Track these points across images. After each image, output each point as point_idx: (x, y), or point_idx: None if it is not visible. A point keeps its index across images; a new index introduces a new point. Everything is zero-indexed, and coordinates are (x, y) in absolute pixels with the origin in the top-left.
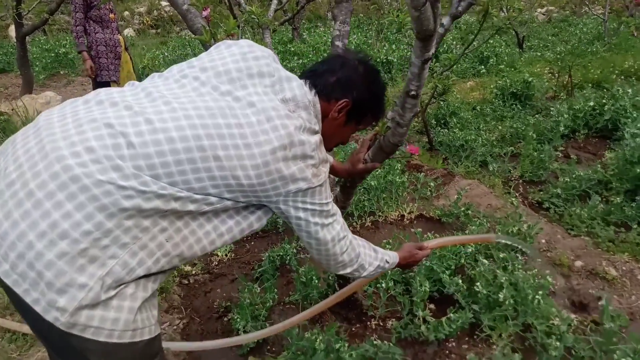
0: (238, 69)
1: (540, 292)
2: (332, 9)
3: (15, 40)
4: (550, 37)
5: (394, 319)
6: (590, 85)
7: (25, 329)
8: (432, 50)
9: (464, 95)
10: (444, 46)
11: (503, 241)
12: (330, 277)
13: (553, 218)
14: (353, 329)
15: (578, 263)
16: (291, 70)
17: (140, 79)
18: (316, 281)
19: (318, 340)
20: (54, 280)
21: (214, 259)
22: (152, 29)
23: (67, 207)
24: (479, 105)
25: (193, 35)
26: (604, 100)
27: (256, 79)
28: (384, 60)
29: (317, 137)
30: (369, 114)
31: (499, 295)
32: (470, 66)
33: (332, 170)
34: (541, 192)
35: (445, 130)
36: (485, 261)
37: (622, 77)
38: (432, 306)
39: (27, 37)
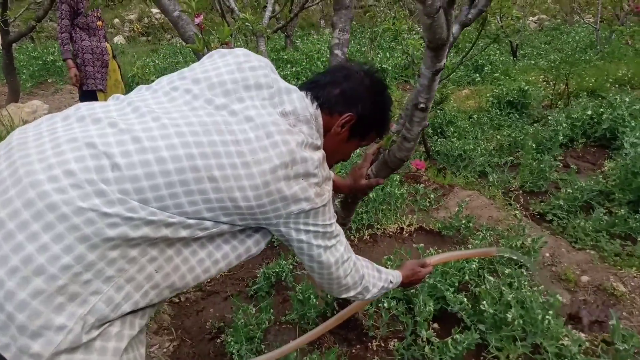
0: (233, 80)
1: (550, 312)
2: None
3: (1, 48)
4: (543, 46)
5: (396, 340)
6: (585, 93)
7: None
8: (444, 61)
9: (460, 104)
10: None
11: (505, 255)
12: (328, 296)
13: (556, 230)
14: (353, 350)
15: (584, 278)
16: (284, 78)
17: (129, 87)
18: (314, 300)
19: None
20: (27, 323)
21: None
22: (143, 37)
23: (44, 239)
24: (475, 114)
25: (185, 44)
26: (601, 109)
27: (253, 91)
28: (378, 68)
29: (320, 154)
30: (374, 130)
31: (507, 314)
32: (465, 74)
33: (333, 186)
34: (542, 203)
35: (443, 139)
36: (490, 278)
37: (617, 85)
38: (435, 325)
39: (14, 45)
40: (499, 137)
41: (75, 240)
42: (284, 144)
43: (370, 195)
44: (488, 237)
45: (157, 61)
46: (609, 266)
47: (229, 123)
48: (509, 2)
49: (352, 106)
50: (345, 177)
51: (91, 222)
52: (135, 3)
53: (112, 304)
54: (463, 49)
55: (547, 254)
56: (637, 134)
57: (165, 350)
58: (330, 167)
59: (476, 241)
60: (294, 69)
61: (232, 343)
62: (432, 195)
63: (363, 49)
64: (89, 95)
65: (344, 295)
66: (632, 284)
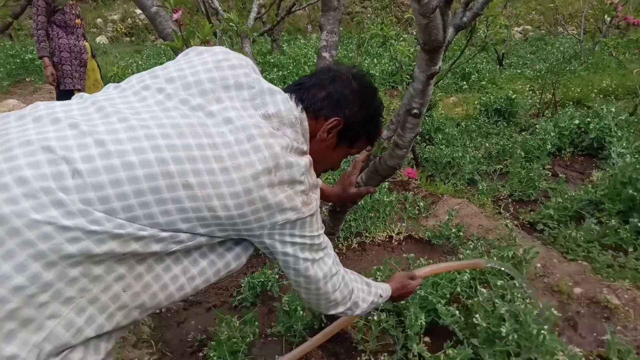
0: (211, 79)
1: (545, 327)
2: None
3: None
4: (528, 55)
5: (386, 354)
6: (571, 103)
7: None
8: (439, 64)
9: (447, 111)
10: None
11: (495, 267)
12: None
13: (547, 241)
14: None
15: (577, 290)
16: (270, 81)
17: None
18: (301, 312)
19: None
20: None
21: None
22: (127, 37)
23: None
24: (463, 121)
25: (163, 42)
26: (588, 119)
27: (233, 91)
28: (368, 72)
29: (307, 159)
30: (363, 136)
31: (501, 328)
32: (453, 82)
33: (321, 194)
34: (532, 213)
35: (431, 146)
36: (483, 290)
37: (601, 95)
38: (427, 339)
39: None
40: (487, 144)
41: (29, 258)
42: (267, 148)
43: (359, 203)
44: (479, 247)
45: (140, 62)
46: (602, 278)
47: (205, 125)
48: (497, 11)
49: (338, 110)
50: (334, 185)
51: (47, 237)
52: (119, 3)
53: (73, 328)
54: (451, 57)
55: (539, 265)
56: (624, 144)
57: None
58: (318, 175)
59: (467, 251)
60: (280, 73)
61: (215, 358)
62: (421, 203)
63: (350, 55)
64: (66, 94)
65: (332, 312)
66: (626, 296)
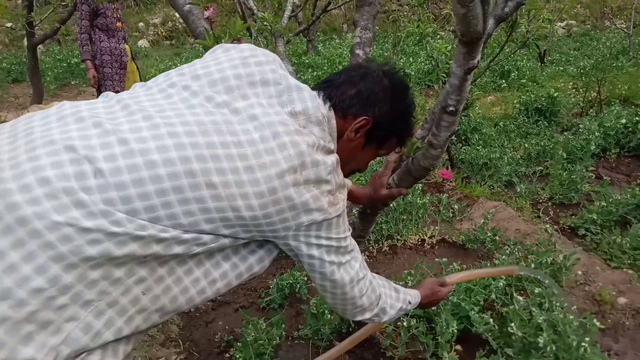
0: (237, 76)
1: (587, 339)
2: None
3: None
4: (572, 52)
5: None
6: (618, 101)
7: None
8: (478, 58)
9: (485, 111)
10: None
11: (528, 275)
12: None
13: (589, 247)
14: None
15: (621, 300)
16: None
17: None
18: (328, 315)
19: None
20: None
21: None
22: (167, 40)
23: (12, 258)
24: (501, 121)
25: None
26: (636, 118)
27: (259, 88)
28: (401, 69)
29: (334, 158)
30: (393, 137)
31: (538, 339)
32: (491, 80)
33: (351, 196)
34: (574, 217)
35: (467, 147)
36: (519, 297)
37: None
38: (458, 347)
39: (40, 47)
40: (526, 145)
41: (49, 260)
42: (292, 146)
43: (391, 205)
44: (516, 252)
45: (178, 64)
46: None
47: (230, 122)
48: (540, 3)
49: (368, 109)
50: (365, 186)
51: (68, 239)
52: (160, 7)
53: (91, 331)
54: (490, 54)
55: (580, 272)
56: None
57: None
58: (345, 176)
59: (503, 256)
60: (315, 74)
61: (240, 359)
62: (456, 206)
63: (386, 54)
64: None
65: (358, 318)
66: None
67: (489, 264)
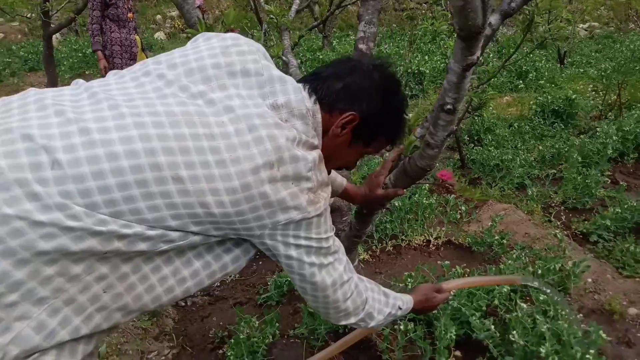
0: (216, 65)
1: (591, 351)
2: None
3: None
4: (593, 54)
5: None
6: (638, 105)
7: None
8: (478, 54)
9: (500, 111)
10: (481, 59)
11: (531, 285)
12: None
13: (601, 254)
14: None
15: (632, 310)
16: None
17: None
18: None
19: None
20: None
21: None
22: (183, 33)
23: None
24: (516, 122)
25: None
26: None
27: (239, 78)
28: (416, 71)
29: (316, 154)
30: (382, 135)
31: (540, 348)
32: (508, 80)
33: (346, 195)
34: (586, 222)
35: (479, 147)
36: (523, 305)
37: None
38: (457, 353)
39: (58, 37)
40: (540, 147)
41: None
42: (269, 140)
43: (396, 204)
44: (523, 257)
45: None
46: None
47: (203, 114)
48: (560, 2)
49: (355, 104)
50: (361, 185)
51: (18, 233)
52: None
53: (45, 330)
54: (507, 54)
55: (590, 280)
56: None
57: (163, 357)
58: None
59: (509, 261)
60: None
61: (232, 357)
62: (463, 207)
63: (402, 52)
64: None
65: (343, 322)
66: None
67: (494, 269)
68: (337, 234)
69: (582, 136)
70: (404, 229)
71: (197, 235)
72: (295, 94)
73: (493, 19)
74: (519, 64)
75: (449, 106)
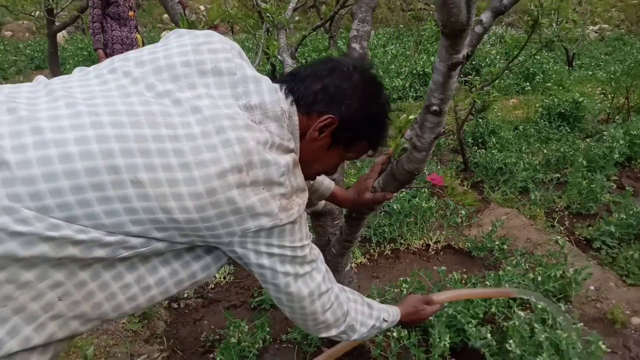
0: (185, 63)
1: None
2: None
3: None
4: (603, 56)
5: None
6: None
7: None
8: (463, 52)
9: (505, 113)
10: (487, 60)
11: (526, 297)
12: None
13: (605, 261)
14: None
15: (635, 320)
16: None
17: None
18: None
19: None
20: None
21: (209, 282)
22: None
23: None
24: (521, 125)
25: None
26: None
27: (210, 78)
28: (421, 72)
29: (289, 158)
30: (363, 139)
31: (537, 358)
32: (514, 82)
33: (334, 199)
34: (590, 228)
35: (483, 150)
36: (521, 313)
37: None
38: None
39: (64, 36)
40: (545, 151)
41: None
42: (238, 143)
43: (395, 207)
44: (522, 263)
45: None
46: None
47: (168, 114)
48: (566, 3)
49: (334, 106)
50: (350, 190)
51: None
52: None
53: None
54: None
55: (592, 287)
56: None
57: None
58: (308, 179)
59: (508, 267)
60: None
61: None
62: (463, 212)
63: (408, 53)
64: None
65: (323, 335)
66: None
67: (492, 275)
68: (328, 238)
69: (587, 140)
70: (402, 232)
71: (161, 241)
72: (270, 95)
73: (484, 16)
74: (526, 65)
75: (435, 107)
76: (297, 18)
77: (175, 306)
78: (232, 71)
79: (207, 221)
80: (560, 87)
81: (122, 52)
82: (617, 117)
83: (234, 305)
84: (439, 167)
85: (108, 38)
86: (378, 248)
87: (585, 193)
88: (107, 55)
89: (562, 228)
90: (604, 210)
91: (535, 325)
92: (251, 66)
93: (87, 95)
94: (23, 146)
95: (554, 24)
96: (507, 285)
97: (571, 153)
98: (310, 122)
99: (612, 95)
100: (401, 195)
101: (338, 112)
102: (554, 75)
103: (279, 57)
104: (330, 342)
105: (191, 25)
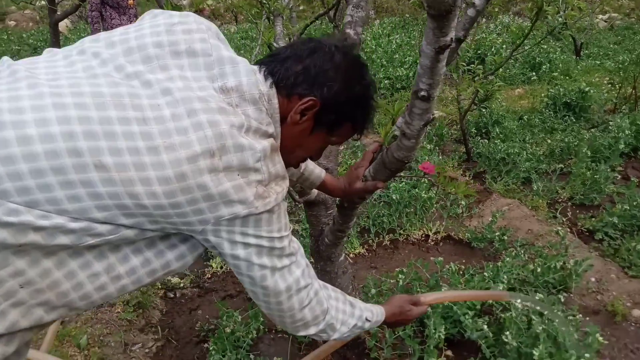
0: (158, 44)
1: (587, 355)
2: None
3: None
4: (611, 46)
5: None
6: None
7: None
8: (451, 35)
9: (510, 103)
10: (493, 49)
11: (522, 302)
12: None
13: (607, 252)
14: None
15: (636, 312)
16: None
17: None
18: None
19: None
20: None
21: (206, 271)
22: None
23: None
24: (526, 115)
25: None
26: None
27: (185, 59)
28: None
29: (267, 143)
30: (347, 122)
31: (534, 350)
32: (520, 72)
33: (325, 188)
34: (593, 219)
35: (486, 140)
36: (518, 305)
37: None
38: (449, 352)
39: (68, 25)
40: (549, 141)
41: None
42: (210, 126)
43: (394, 197)
44: (522, 254)
45: None
46: None
47: (137, 96)
48: None
49: (315, 88)
50: (341, 179)
51: None
52: None
53: None
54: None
55: (593, 279)
56: None
57: (147, 350)
58: (291, 165)
59: (507, 258)
60: None
61: (213, 352)
62: (463, 202)
63: (413, 42)
64: None
65: (301, 333)
66: None
67: (490, 266)
68: (321, 228)
69: (593, 130)
70: (402, 223)
71: (130, 229)
72: (248, 77)
73: None
74: (532, 55)
75: (423, 93)
76: (301, 7)
77: (171, 296)
78: (207, 52)
79: (177, 207)
80: (567, 77)
81: None
82: (624, 107)
83: (230, 295)
84: (440, 157)
85: (107, 27)
86: (377, 238)
87: (589, 184)
88: None
89: (564, 219)
90: (607, 202)
91: (533, 317)
92: (229, 48)
93: (51, 77)
94: None
95: (561, 12)
96: (505, 277)
97: (576, 143)
98: (291, 105)
99: (620, 85)
100: (401, 185)
101: (320, 94)
102: (560, 65)
103: (274, 44)
104: None
105: (176, 8)
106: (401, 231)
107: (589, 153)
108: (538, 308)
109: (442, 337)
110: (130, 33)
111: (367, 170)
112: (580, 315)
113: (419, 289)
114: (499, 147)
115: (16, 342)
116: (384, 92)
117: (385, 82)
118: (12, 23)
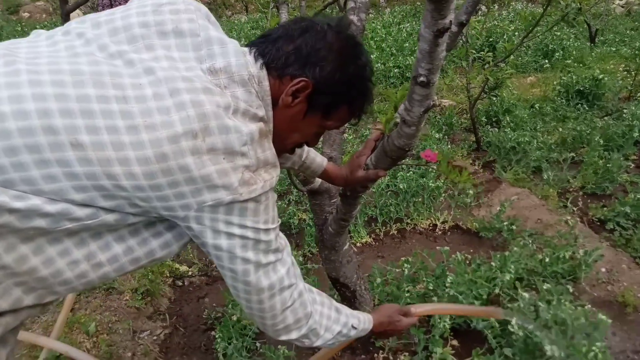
0: (144, 24)
1: (597, 344)
2: None
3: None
4: (628, 32)
5: (407, 353)
6: None
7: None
8: (450, 17)
9: (522, 92)
10: (504, 37)
11: (514, 320)
12: (335, 296)
13: (618, 242)
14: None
15: None
16: None
17: None
18: None
19: None
20: None
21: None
22: None
23: None
24: (538, 103)
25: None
26: None
27: (172, 39)
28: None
29: (255, 127)
30: (344, 105)
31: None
32: (532, 60)
33: (327, 177)
34: (605, 209)
35: (496, 129)
36: (525, 294)
37: None
38: (455, 342)
39: (79, 15)
40: (561, 129)
41: None
42: (193, 106)
43: (402, 186)
44: (530, 244)
45: None
46: None
47: (118, 75)
48: None
49: (307, 68)
50: (343, 167)
51: None
52: None
53: None
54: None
55: (604, 269)
56: None
57: (155, 337)
58: (286, 151)
59: (515, 248)
60: None
61: (219, 340)
62: (471, 191)
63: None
64: None
65: (283, 337)
66: None
67: (498, 256)
68: (325, 217)
69: (606, 118)
70: (409, 212)
71: (110, 213)
72: (237, 58)
73: None
74: (545, 42)
75: (422, 78)
76: None
77: (180, 284)
78: (195, 32)
79: (158, 189)
80: (581, 65)
81: None
82: (638, 94)
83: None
84: (450, 146)
85: None
86: (384, 228)
87: (601, 173)
88: None
89: (575, 209)
90: (620, 191)
91: (540, 304)
92: (219, 29)
93: (30, 56)
94: None
95: None
96: (512, 267)
97: (588, 132)
98: (282, 87)
99: (636, 71)
100: (408, 174)
101: (312, 74)
102: (574, 52)
103: None
104: None
105: None
106: (408, 220)
107: (602, 141)
108: (530, 326)
109: (448, 326)
110: (117, 14)
111: (369, 158)
112: (589, 305)
113: (424, 279)
114: (510, 136)
115: (2, 328)
116: (393, 80)
117: (395, 70)
118: (26, 15)
